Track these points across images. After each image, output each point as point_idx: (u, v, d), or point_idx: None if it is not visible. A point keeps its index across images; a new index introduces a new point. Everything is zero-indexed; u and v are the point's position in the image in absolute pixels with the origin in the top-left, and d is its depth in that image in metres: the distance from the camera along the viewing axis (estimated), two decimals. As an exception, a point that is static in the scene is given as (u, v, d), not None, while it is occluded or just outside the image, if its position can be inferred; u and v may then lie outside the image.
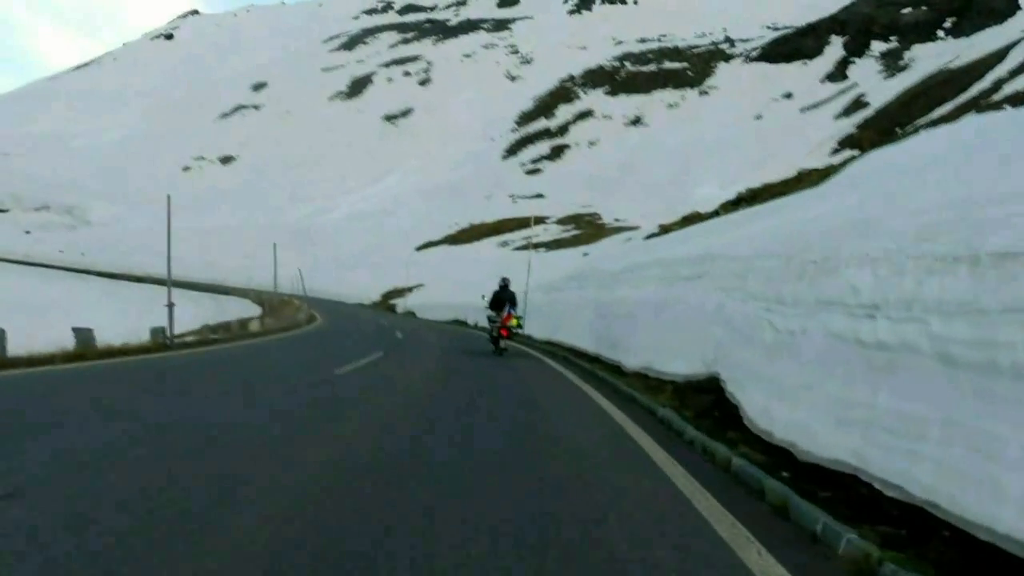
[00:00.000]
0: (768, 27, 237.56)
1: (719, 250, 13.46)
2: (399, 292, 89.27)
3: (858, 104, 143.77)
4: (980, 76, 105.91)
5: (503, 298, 27.97)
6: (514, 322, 27.19)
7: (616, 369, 19.07)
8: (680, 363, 13.67)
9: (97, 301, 71.70)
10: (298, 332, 39.99)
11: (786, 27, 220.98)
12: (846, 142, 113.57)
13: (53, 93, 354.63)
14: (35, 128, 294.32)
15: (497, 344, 27.34)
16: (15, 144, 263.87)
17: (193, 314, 50.97)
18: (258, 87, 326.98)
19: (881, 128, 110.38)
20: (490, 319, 28.58)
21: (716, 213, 32.21)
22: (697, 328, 12.72)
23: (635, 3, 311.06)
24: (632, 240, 56.48)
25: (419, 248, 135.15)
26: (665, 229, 37.04)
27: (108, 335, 24.84)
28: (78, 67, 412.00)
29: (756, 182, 68.63)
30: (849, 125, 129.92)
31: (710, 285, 12.66)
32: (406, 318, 69.94)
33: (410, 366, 21.99)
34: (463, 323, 52.32)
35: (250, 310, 61.32)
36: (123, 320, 37.48)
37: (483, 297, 29.55)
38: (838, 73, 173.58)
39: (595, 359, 22.21)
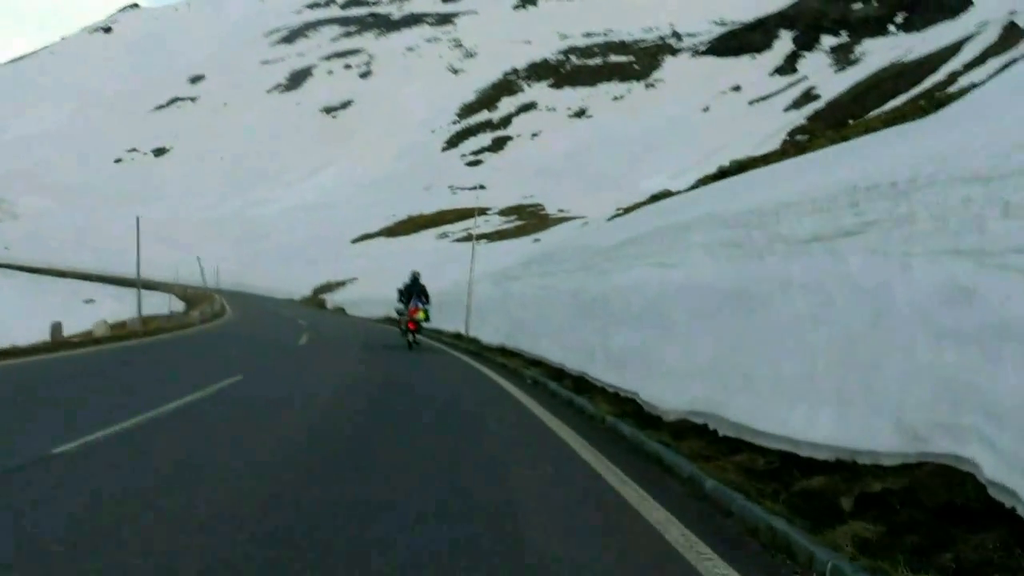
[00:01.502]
0: (715, 22, 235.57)
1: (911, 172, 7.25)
2: (331, 287, 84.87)
3: (808, 97, 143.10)
4: (934, 69, 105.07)
5: (412, 291, 29.08)
6: (421, 315, 28.42)
7: (626, 405, 12.46)
8: (818, 414, 7.28)
9: (11, 297, 69.05)
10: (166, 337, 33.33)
11: (733, 22, 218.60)
12: (796, 133, 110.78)
13: None
14: None
15: (407, 337, 28.59)
16: None
17: (113, 310, 51.26)
18: (195, 80, 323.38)
19: (832, 120, 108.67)
20: (399, 312, 30.18)
21: (695, 187, 27.55)
22: (870, 342, 6.87)
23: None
24: (589, 225, 51.08)
25: (355, 241, 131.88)
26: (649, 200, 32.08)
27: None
28: (12, 61, 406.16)
29: (705, 172, 65.35)
30: (799, 117, 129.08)
31: (917, 247, 6.59)
32: (333, 315, 66.82)
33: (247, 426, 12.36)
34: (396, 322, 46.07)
35: (166, 307, 56.79)
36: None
37: (398, 290, 30.33)
38: (787, 67, 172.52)
39: (579, 380, 15.89)
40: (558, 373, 17.37)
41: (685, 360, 10.60)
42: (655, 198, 30.85)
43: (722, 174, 27.87)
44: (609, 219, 32.08)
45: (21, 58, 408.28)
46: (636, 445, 10.40)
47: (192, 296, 72.74)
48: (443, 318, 36.49)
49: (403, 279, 30.76)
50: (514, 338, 23.80)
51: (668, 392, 10.82)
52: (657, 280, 12.04)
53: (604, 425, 11.93)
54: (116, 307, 54.84)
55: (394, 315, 35.05)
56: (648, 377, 11.75)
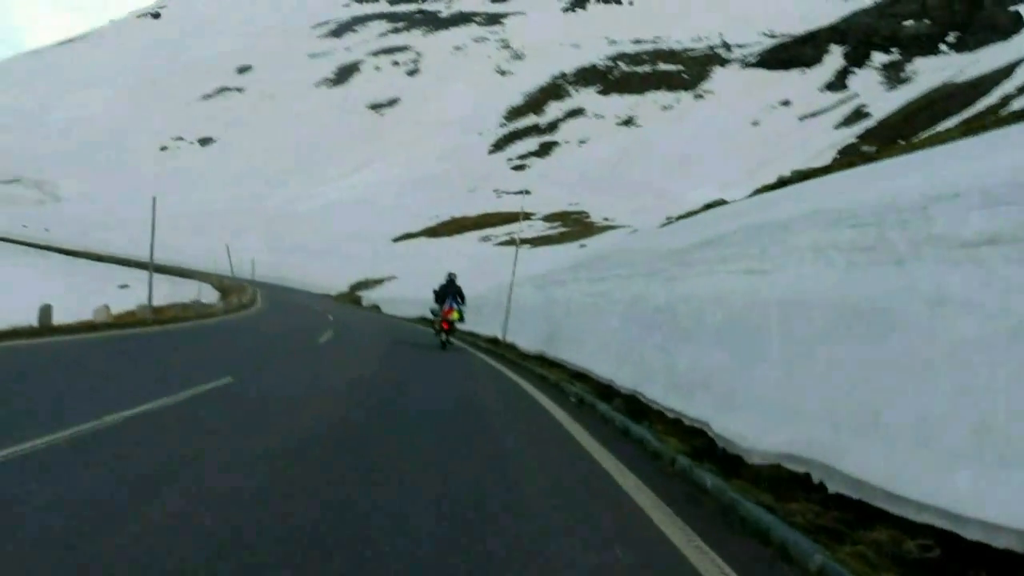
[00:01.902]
0: (765, 34, 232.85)
1: None
2: (369, 284, 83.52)
3: (859, 114, 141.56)
4: (986, 91, 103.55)
5: (448, 292, 29.50)
6: (455, 315, 28.96)
7: (694, 439, 10.14)
8: (995, 481, 5.29)
9: (41, 279, 68.56)
10: (192, 325, 31.82)
11: (783, 34, 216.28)
12: (847, 151, 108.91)
13: (34, 68, 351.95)
14: (12, 102, 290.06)
15: (440, 337, 29.32)
16: None
17: (143, 296, 48.62)
18: (243, 70, 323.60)
19: (883, 139, 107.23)
20: (433, 312, 30.79)
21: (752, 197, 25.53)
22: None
23: (630, 3, 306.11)
24: (638, 232, 48.99)
25: (396, 240, 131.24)
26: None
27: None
28: (62, 43, 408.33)
29: (755, 186, 63.77)
30: (850, 135, 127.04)
31: None
32: (366, 312, 65.27)
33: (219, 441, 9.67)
34: (432, 322, 43.60)
35: (197, 294, 55.79)
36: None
37: (433, 291, 30.55)
38: (838, 83, 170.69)
39: (631, 400, 13.53)
40: (606, 390, 15.16)
41: (781, 390, 8.23)
42: (709, 207, 28.98)
43: (782, 183, 25.79)
44: (662, 226, 29.48)
45: (70, 40, 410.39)
46: (726, 505, 7.53)
47: (227, 286, 70.64)
48: (481, 322, 34.91)
49: (441, 280, 30.52)
50: (555, 346, 22.08)
51: (754, 427, 8.48)
52: (743, 290, 9.80)
53: (673, 468, 9.12)
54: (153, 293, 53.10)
55: (429, 315, 34.20)
56: (726, 407, 9.38)
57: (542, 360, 23.01)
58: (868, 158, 25.66)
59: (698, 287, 11.62)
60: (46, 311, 22.89)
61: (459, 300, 29.46)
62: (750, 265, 9.72)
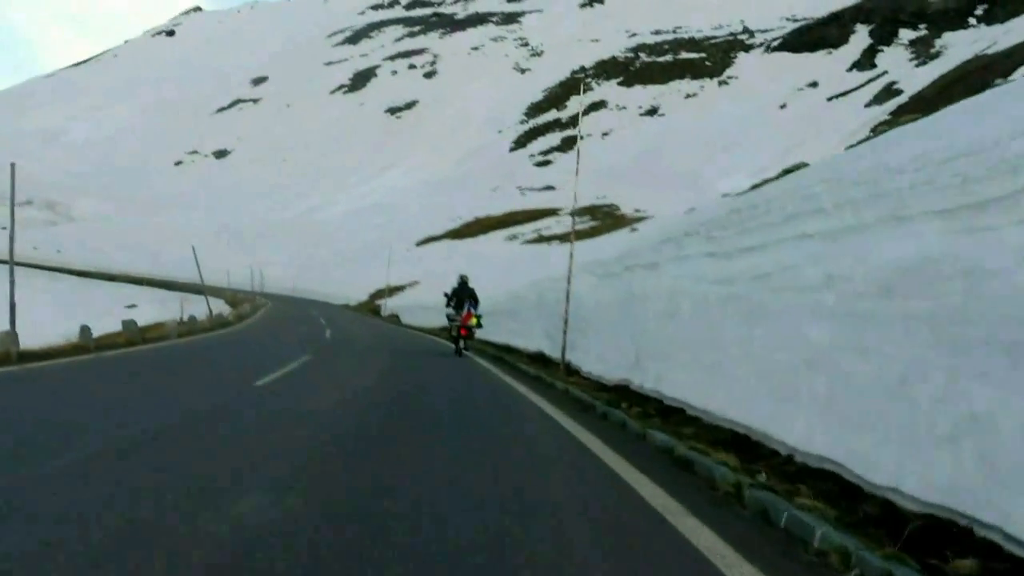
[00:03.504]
0: (787, 18, 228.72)
1: None
2: (391, 291, 79.68)
3: (890, 92, 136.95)
4: (1023, 61, 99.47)
5: (463, 296, 27.82)
6: (473, 321, 27.35)
7: None
8: None
9: (32, 298, 67.54)
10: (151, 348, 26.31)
11: (805, 18, 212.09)
12: (880, 127, 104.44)
13: (49, 90, 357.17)
14: (27, 124, 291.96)
15: (458, 344, 27.55)
16: (4, 139, 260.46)
17: (153, 315, 49.20)
18: (258, 81, 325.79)
19: (918, 114, 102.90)
20: (449, 318, 28.77)
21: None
22: None
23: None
24: (696, 211, 43.53)
25: (419, 243, 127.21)
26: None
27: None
28: (76, 64, 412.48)
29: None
30: (882, 112, 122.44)
31: None
32: (380, 325, 59.89)
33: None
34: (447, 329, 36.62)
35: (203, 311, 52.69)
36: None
37: (445, 295, 29.02)
38: (865, 62, 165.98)
39: (931, 525, 5.99)
40: (821, 480, 7.79)
41: None
42: (787, 171, 24.39)
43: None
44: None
45: (84, 62, 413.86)
46: None
47: (237, 301, 71.61)
48: (518, 330, 28.68)
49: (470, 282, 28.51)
50: (651, 372, 14.01)
51: None
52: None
53: None
54: (158, 311, 52.70)
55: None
56: None
57: (627, 394, 14.97)
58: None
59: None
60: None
61: (474, 304, 27.89)
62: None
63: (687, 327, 12.43)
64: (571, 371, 20.03)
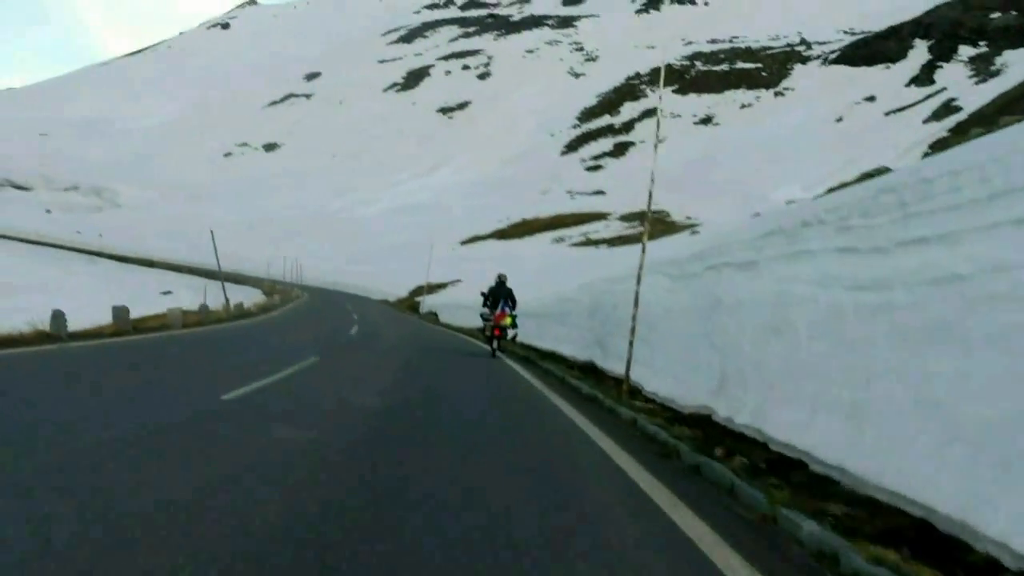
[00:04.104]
0: (844, 31, 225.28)
1: None
2: (432, 289, 77.94)
3: (949, 108, 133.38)
4: None
5: (499, 295, 27.27)
6: (507, 321, 26.72)
7: None
8: None
9: (70, 282, 68.91)
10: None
11: (863, 31, 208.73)
12: (939, 146, 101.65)
13: (103, 78, 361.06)
14: (80, 111, 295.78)
15: (491, 344, 26.99)
16: (58, 125, 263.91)
17: (187, 301, 47.46)
18: (311, 76, 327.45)
19: (982, 129, 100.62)
20: (484, 317, 28.14)
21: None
22: None
23: (705, 3, 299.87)
24: (761, 216, 40.48)
25: (464, 242, 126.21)
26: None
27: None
28: (131, 54, 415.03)
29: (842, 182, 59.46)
30: (940, 129, 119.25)
31: None
32: (422, 321, 58.75)
33: None
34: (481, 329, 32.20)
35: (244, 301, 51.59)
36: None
37: (482, 294, 28.48)
38: (924, 77, 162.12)
39: None
40: None
41: None
42: (867, 176, 21.70)
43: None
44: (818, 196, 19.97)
45: (140, 51, 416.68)
46: None
47: (272, 291, 72.11)
48: (567, 336, 25.05)
49: (516, 283, 28.04)
50: (744, 402, 10.61)
51: None
52: None
53: None
54: (193, 298, 50.83)
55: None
56: None
57: (708, 427, 11.46)
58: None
59: None
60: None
61: (511, 304, 27.19)
62: None
63: (804, 348, 8.95)
64: (632, 390, 15.82)
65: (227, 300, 45.21)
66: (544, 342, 27.95)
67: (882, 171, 22.18)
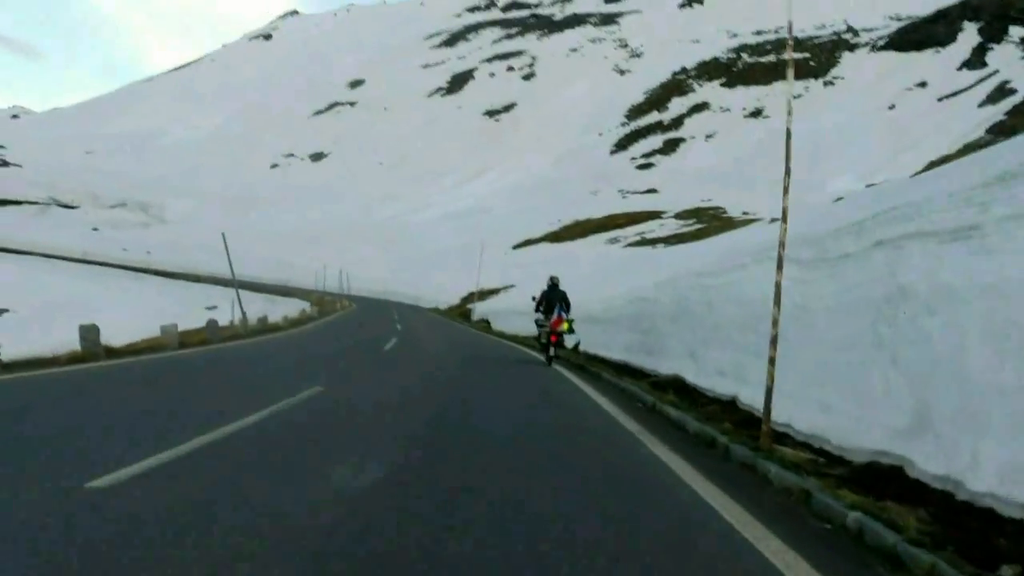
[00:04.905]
0: (891, 17, 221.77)
1: None
2: (484, 294, 76.24)
3: (1003, 91, 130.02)
4: None
5: (553, 299, 25.25)
6: (565, 326, 24.61)
7: None
8: None
9: (114, 299, 67.93)
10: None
11: (909, 16, 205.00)
12: (995, 129, 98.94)
13: (148, 93, 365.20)
14: (125, 127, 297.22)
15: (548, 352, 24.76)
16: (103, 142, 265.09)
17: (231, 316, 47.58)
18: (355, 84, 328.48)
19: None
20: (538, 323, 26.54)
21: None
22: None
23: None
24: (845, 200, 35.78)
25: (516, 247, 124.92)
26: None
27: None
28: (175, 69, 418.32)
29: (897, 173, 57.14)
30: (996, 112, 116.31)
31: None
32: (472, 328, 56.25)
33: None
34: (536, 336, 29.91)
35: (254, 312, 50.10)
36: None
37: (533, 298, 26.91)
38: (976, 60, 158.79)
39: None
40: None
41: None
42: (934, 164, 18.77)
43: None
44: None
45: (184, 66, 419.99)
46: None
47: (318, 303, 71.75)
48: (638, 343, 21.57)
49: (570, 287, 26.26)
50: (981, 459, 6.55)
51: None
52: None
53: None
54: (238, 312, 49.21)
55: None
56: None
57: (914, 498, 7.03)
58: None
59: None
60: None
61: (565, 308, 24.92)
62: None
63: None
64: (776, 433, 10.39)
65: (244, 314, 41.59)
66: (615, 353, 23.88)
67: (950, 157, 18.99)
